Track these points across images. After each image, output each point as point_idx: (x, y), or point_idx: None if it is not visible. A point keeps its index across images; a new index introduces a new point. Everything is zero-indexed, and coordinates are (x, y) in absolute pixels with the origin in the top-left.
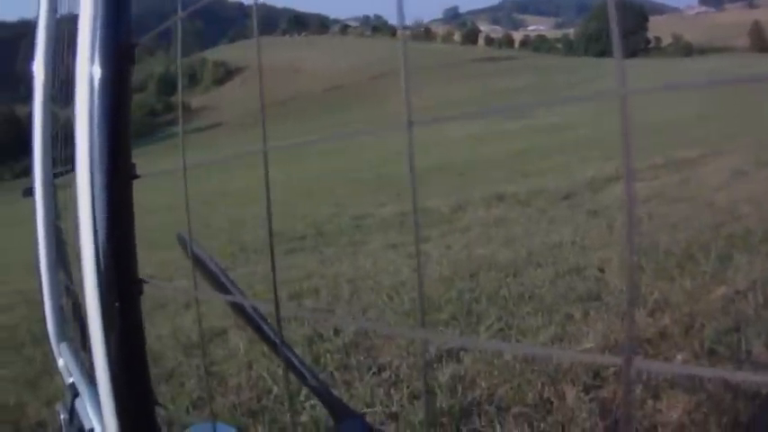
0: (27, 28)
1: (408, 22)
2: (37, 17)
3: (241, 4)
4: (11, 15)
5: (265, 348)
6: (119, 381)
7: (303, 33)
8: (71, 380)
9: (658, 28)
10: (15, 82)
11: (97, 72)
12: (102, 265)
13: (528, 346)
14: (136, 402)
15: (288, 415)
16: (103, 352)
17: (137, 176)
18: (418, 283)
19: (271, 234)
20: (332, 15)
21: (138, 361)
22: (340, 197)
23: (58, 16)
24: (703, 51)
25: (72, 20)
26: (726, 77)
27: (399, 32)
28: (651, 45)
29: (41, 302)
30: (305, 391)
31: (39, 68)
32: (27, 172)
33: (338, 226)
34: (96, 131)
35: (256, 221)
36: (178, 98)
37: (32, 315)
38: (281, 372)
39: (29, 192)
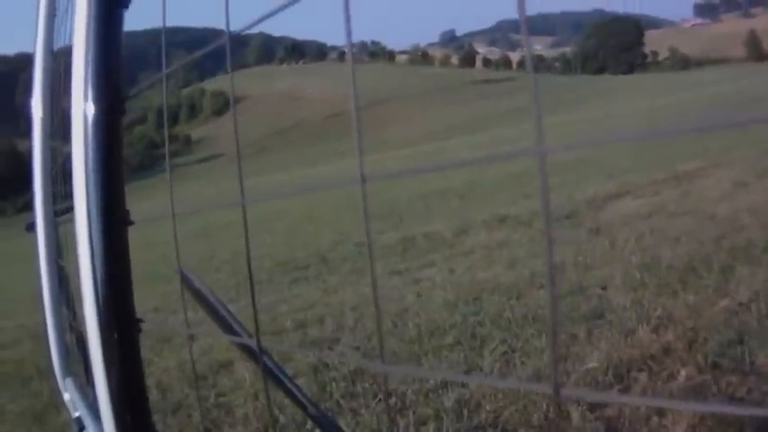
0: (26, 62)
1: (406, 46)
2: (34, 53)
3: (238, 34)
4: (10, 49)
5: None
6: (121, 414)
7: (301, 61)
8: (77, 414)
9: (655, 42)
10: (15, 116)
11: (90, 118)
12: (102, 306)
13: (476, 375)
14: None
15: None
16: (106, 388)
17: (131, 223)
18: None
19: (251, 276)
20: (329, 42)
21: (139, 395)
22: (343, 224)
23: (56, 50)
24: (700, 64)
25: (69, 53)
26: (645, 131)
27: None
28: (648, 60)
29: (45, 337)
30: (310, 420)
31: (37, 105)
32: (29, 206)
33: (341, 254)
34: (92, 178)
35: (260, 252)
36: (166, 143)
37: (37, 350)
38: (287, 402)
39: (32, 226)
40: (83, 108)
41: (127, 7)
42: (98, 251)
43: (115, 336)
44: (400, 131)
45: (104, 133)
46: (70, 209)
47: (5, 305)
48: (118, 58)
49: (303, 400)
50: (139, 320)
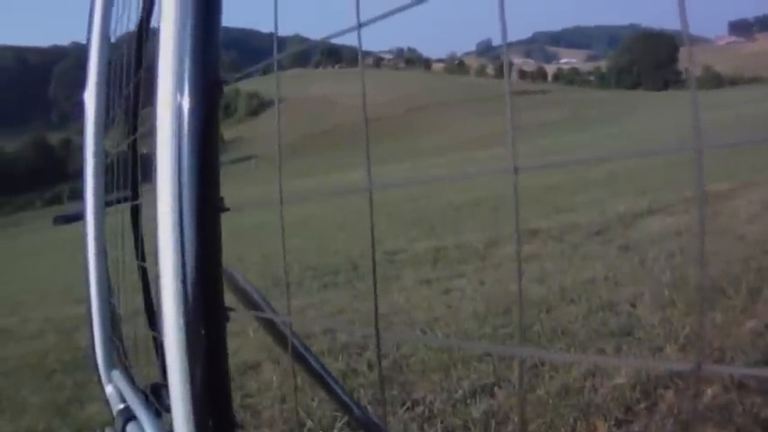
0: (60, 54)
1: (442, 55)
2: (89, 43)
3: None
4: (44, 41)
5: (299, 381)
6: (202, 407)
7: (336, 66)
8: (122, 405)
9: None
10: (48, 109)
11: (186, 106)
12: (190, 295)
13: (604, 357)
14: (218, 429)
15: None
16: (185, 379)
17: (226, 209)
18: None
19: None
20: (365, 47)
21: (222, 386)
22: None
23: (112, 42)
24: (734, 82)
25: (122, 47)
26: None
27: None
28: (682, 77)
29: (89, 329)
30: (339, 423)
31: (90, 97)
32: (58, 199)
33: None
34: (186, 164)
35: (290, 257)
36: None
37: (62, 342)
38: (314, 405)
39: (60, 219)
40: (173, 95)
41: None
42: (190, 236)
43: (202, 324)
44: (433, 140)
45: (201, 118)
46: (111, 202)
47: (31, 296)
48: (217, 40)
49: (339, 391)
50: (229, 309)
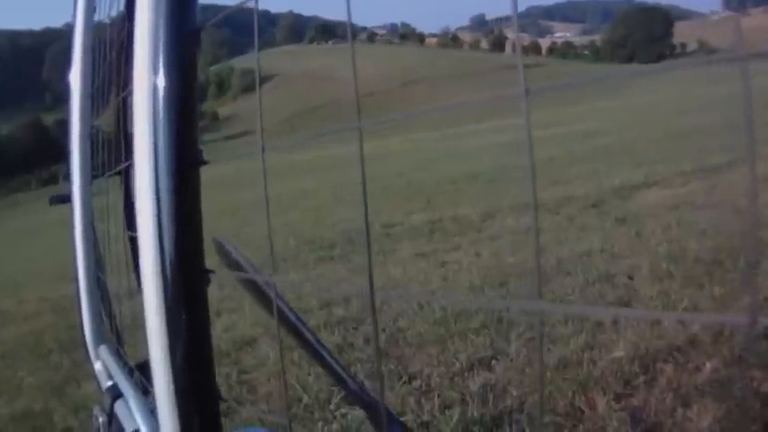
0: (52, 36)
1: (436, 30)
2: (73, 22)
3: (268, 12)
4: (36, 24)
5: (295, 357)
6: (182, 375)
7: (330, 41)
8: (110, 383)
9: (683, 33)
10: (41, 90)
11: (162, 54)
12: (167, 255)
13: (651, 312)
14: (200, 398)
15: (319, 423)
16: (165, 346)
17: (204, 162)
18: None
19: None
20: (359, 23)
21: (205, 354)
22: (370, 205)
23: (96, 21)
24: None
25: (109, 26)
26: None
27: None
28: (677, 51)
29: (77, 305)
30: (335, 399)
31: (75, 76)
32: (53, 180)
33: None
34: (162, 116)
35: (286, 230)
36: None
37: (59, 322)
38: (311, 380)
39: (55, 199)
40: (151, 41)
41: None
42: (166, 191)
43: (181, 286)
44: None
45: (178, 63)
46: (98, 177)
47: (29, 277)
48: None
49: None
50: (209, 271)
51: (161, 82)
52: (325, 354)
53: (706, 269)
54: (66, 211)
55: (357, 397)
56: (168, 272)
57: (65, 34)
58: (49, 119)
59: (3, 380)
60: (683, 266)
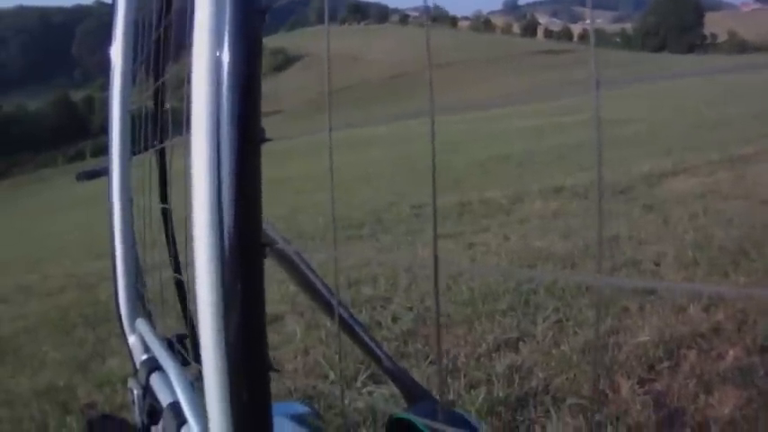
0: (84, 13)
1: (468, 13)
2: None
3: None
4: (67, 1)
5: (322, 335)
6: (234, 347)
7: (363, 23)
8: (145, 356)
9: (714, 24)
10: (71, 67)
11: (228, 32)
12: (226, 229)
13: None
14: (250, 368)
15: (345, 400)
16: (218, 317)
17: (267, 140)
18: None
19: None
20: (391, 5)
21: (258, 326)
22: (399, 185)
23: None
24: (758, 49)
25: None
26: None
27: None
28: (707, 41)
29: (113, 279)
30: (362, 377)
31: (117, 52)
32: (80, 156)
33: (397, 214)
34: (225, 93)
35: (315, 210)
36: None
37: (84, 298)
38: (337, 358)
39: (83, 176)
40: (213, 14)
41: None
42: (227, 168)
43: (238, 260)
44: (462, 97)
45: (244, 39)
46: (137, 152)
47: (54, 253)
48: None
49: (377, 350)
50: (267, 245)
51: (226, 57)
52: (359, 329)
53: (731, 258)
54: (91, 188)
55: (391, 374)
56: (227, 246)
57: (95, 11)
58: (77, 95)
59: (28, 355)
60: (708, 254)
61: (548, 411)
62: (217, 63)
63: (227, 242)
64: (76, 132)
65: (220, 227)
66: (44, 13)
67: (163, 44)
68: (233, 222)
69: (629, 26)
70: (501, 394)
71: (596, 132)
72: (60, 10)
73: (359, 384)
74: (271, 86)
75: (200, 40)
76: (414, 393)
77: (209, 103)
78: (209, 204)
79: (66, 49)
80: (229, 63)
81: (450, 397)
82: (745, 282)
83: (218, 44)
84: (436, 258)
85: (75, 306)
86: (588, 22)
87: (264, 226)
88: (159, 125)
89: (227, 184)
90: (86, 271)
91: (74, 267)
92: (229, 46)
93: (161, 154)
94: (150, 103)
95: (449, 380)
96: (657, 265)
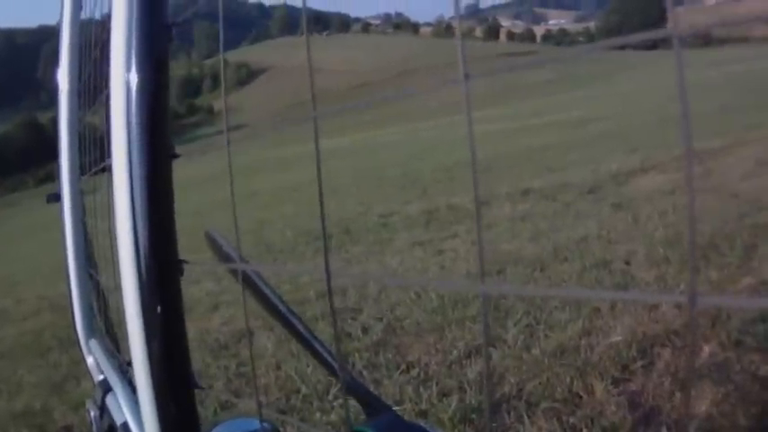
0: (48, 34)
1: (429, 18)
2: (60, 22)
3: (261, 5)
4: (31, 21)
5: (293, 348)
6: (158, 364)
7: (325, 33)
8: (101, 377)
9: (678, 19)
10: (37, 89)
11: (134, 51)
12: (141, 246)
13: (606, 291)
14: (175, 386)
15: (317, 414)
16: (141, 335)
17: (176, 156)
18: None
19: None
20: (353, 14)
21: (179, 343)
22: (366, 195)
23: (82, 18)
24: (723, 42)
25: (95, 24)
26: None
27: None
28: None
29: (69, 300)
30: (333, 390)
31: (63, 75)
32: (50, 178)
33: (365, 224)
34: (134, 110)
35: (282, 223)
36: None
37: (57, 321)
38: (309, 371)
39: (52, 198)
40: (124, 34)
41: None
42: (139, 184)
43: (155, 276)
44: (423, 103)
45: (151, 58)
46: (85, 172)
47: (27, 276)
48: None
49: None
50: (182, 261)
51: (133, 78)
52: (315, 343)
53: (702, 253)
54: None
55: (348, 386)
56: (143, 263)
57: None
58: (44, 117)
59: (3, 379)
60: (679, 251)
61: (521, 417)
62: (126, 84)
63: (143, 260)
64: (45, 154)
65: (136, 245)
66: (9, 33)
67: (101, 63)
68: (147, 239)
69: (592, 25)
70: (473, 402)
71: (470, 140)
72: (25, 31)
73: (330, 397)
74: (235, 101)
75: (114, 59)
76: (373, 406)
77: (123, 123)
78: (127, 222)
79: (32, 70)
80: (137, 81)
81: (423, 406)
82: (717, 276)
83: (126, 65)
84: (329, 274)
85: (49, 329)
86: (552, 22)
87: (221, 242)
88: (107, 144)
89: (140, 200)
90: (60, 293)
91: (47, 290)
92: (136, 64)
93: (111, 174)
94: (97, 123)
95: (420, 389)
96: (628, 264)
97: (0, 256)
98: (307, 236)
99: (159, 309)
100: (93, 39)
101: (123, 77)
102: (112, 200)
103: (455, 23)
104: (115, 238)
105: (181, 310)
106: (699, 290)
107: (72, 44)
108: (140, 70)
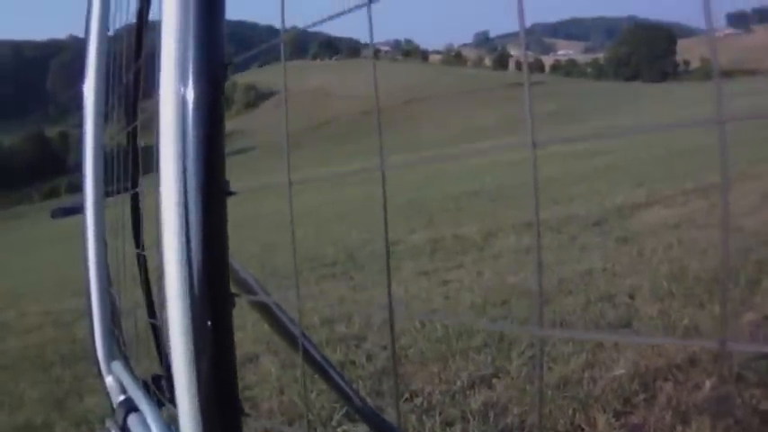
0: (56, 48)
1: (439, 46)
2: (87, 36)
3: (272, 28)
4: (40, 35)
5: (297, 374)
6: (207, 396)
7: (334, 57)
8: (122, 397)
9: (686, 51)
10: (44, 102)
11: (190, 90)
12: (196, 281)
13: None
14: (224, 412)
15: None
16: (191, 368)
17: (232, 193)
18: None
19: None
20: (363, 40)
21: (230, 374)
22: (371, 223)
23: (110, 34)
24: (732, 74)
25: (120, 39)
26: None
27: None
28: (680, 68)
29: (89, 319)
30: (337, 416)
31: (89, 89)
32: (55, 193)
33: (370, 252)
34: (191, 149)
35: (288, 248)
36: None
37: (60, 336)
38: (313, 397)
39: (58, 212)
40: (177, 77)
41: None
42: (195, 221)
43: (209, 311)
44: (433, 132)
45: (206, 101)
46: (111, 193)
47: (30, 289)
48: (221, 30)
49: (346, 388)
50: (235, 295)
51: (191, 116)
52: (329, 369)
53: (706, 288)
54: (67, 225)
55: (362, 413)
56: (196, 293)
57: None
58: (52, 131)
59: (5, 392)
60: (683, 285)
61: None
62: (183, 133)
63: (196, 290)
64: (51, 168)
65: (190, 276)
66: (17, 46)
67: (134, 87)
68: (202, 272)
69: (601, 56)
70: (476, 431)
71: (535, 196)
72: (34, 44)
73: (334, 423)
74: (244, 123)
75: (165, 99)
76: (383, 430)
77: (175, 159)
78: (180, 254)
79: (40, 83)
80: (193, 125)
81: None
82: (721, 312)
83: (182, 100)
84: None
85: (52, 343)
86: (561, 52)
87: (237, 267)
88: (133, 167)
89: (195, 235)
90: (63, 308)
91: (51, 304)
92: (194, 108)
93: (134, 198)
94: (124, 143)
95: (423, 418)
96: (632, 298)
97: (5, 269)
98: (311, 261)
99: (211, 337)
100: (121, 57)
101: (178, 113)
102: (160, 228)
103: (464, 52)
104: (133, 263)
105: (232, 340)
106: (727, 336)
107: (100, 57)
108: (196, 110)
